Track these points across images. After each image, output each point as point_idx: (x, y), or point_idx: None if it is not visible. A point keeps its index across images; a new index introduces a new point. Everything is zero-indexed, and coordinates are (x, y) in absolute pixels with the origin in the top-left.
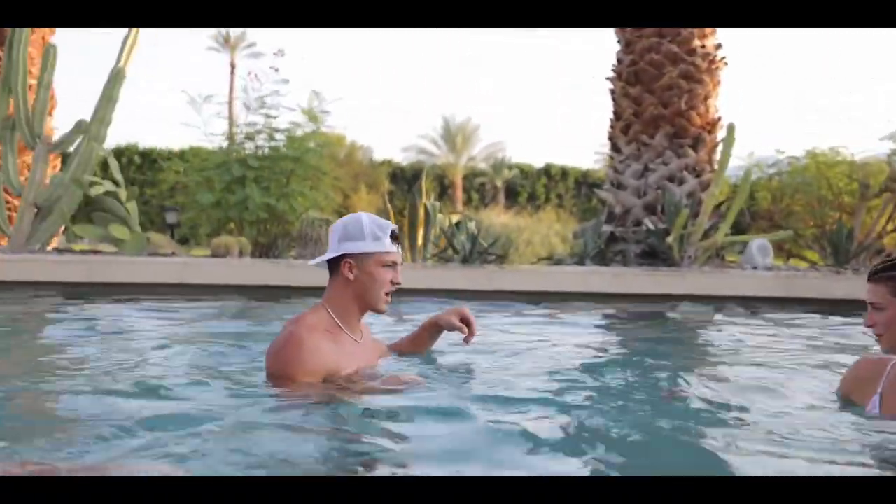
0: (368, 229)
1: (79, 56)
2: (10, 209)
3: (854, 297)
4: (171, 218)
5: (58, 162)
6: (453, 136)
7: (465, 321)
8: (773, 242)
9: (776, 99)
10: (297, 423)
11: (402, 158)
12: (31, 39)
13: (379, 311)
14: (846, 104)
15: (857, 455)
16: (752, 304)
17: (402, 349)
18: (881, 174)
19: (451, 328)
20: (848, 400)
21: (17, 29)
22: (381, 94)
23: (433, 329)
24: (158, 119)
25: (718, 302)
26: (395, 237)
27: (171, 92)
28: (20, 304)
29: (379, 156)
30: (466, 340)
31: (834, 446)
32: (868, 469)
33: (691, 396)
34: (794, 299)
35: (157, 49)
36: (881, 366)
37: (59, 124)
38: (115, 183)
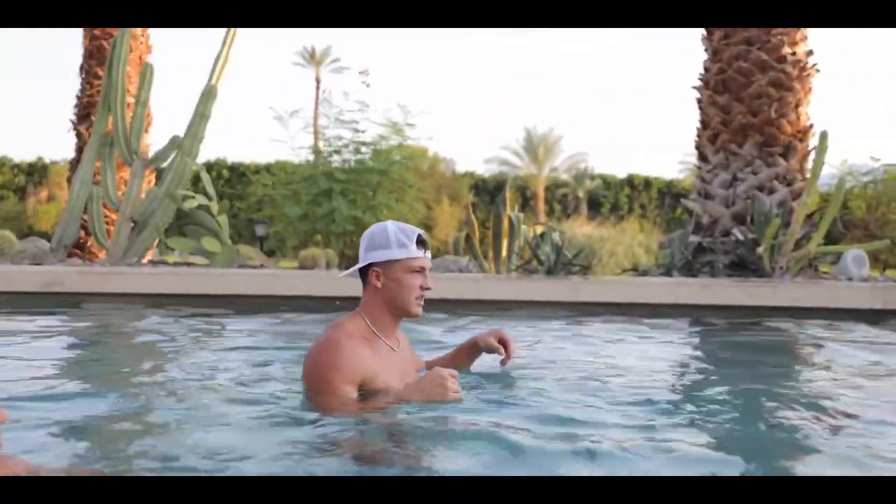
0: (394, 237)
1: (173, 72)
2: (108, 223)
3: None
4: (259, 231)
5: (153, 177)
6: (535, 147)
7: (503, 343)
8: (869, 253)
9: (871, 105)
10: (329, 438)
11: (484, 170)
12: (129, 59)
13: (414, 316)
14: None
15: None
16: (847, 317)
17: (439, 366)
18: None
19: (490, 350)
20: None
21: (117, 48)
22: (464, 105)
23: (472, 349)
24: (246, 134)
25: (812, 314)
26: (421, 242)
27: (258, 107)
28: (115, 314)
29: (461, 168)
30: (503, 363)
31: None
32: None
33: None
34: (893, 311)
35: (243, 64)
36: None
37: (155, 140)
38: (208, 197)
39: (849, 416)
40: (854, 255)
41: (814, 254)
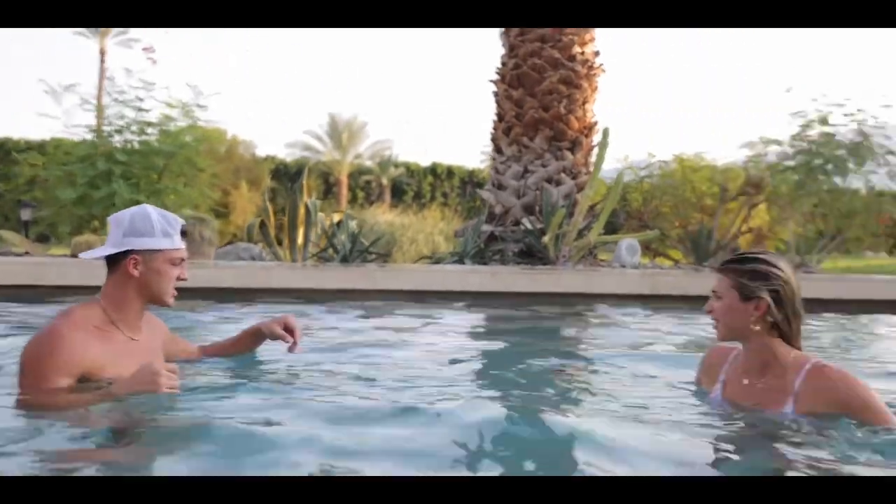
0: (158, 225)
1: None
2: None
3: (709, 293)
4: (25, 215)
5: None
6: (339, 132)
7: (289, 329)
8: (642, 242)
9: (651, 105)
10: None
11: (286, 154)
12: None
13: (166, 306)
14: (713, 111)
15: (697, 436)
16: (621, 302)
17: (216, 352)
18: (738, 179)
19: (274, 337)
20: (700, 386)
21: None
22: (267, 88)
23: (256, 336)
24: (14, 108)
25: (590, 300)
26: (184, 233)
27: (31, 79)
28: None
29: (262, 151)
30: (291, 349)
31: (673, 428)
32: (706, 450)
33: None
34: (658, 296)
35: (13, 33)
36: (726, 354)
37: None
38: None
39: (617, 385)
40: (627, 245)
41: (594, 243)
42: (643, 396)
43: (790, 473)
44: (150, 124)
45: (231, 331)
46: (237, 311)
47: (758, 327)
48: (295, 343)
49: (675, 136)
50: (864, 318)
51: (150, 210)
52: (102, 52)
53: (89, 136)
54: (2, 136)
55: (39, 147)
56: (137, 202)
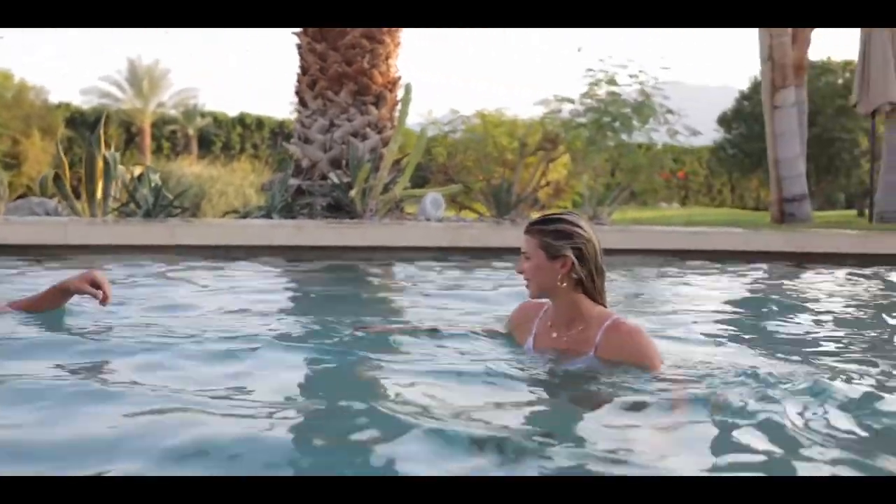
0: None
1: None
2: None
3: (508, 245)
4: None
5: None
6: (140, 79)
7: (96, 285)
8: (446, 196)
9: (454, 62)
10: None
11: (81, 101)
12: None
13: None
14: (514, 68)
15: (510, 382)
16: (422, 254)
17: (22, 307)
18: (536, 134)
19: (82, 292)
20: (511, 337)
21: None
22: (58, 30)
23: (63, 292)
24: None
25: (393, 253)
26: None
27: None
28: None
29: (55, 98)
30: (102, 303)
31: (489, 372)
32: (518, 394)
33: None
34: (458, 248)
35: None
36: (537, 310)
37: None
38: None
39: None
40: (432, 199)
41: (399, 196)
42: (456, 350)
43: (584, 412)
44: None
45: (26, 289)
46: (28, 269)
47: (564, 284)
48: (106, 298)
49: (478, 93)
50: (647, 268)
51: None
52: None
53: None
54: None
55: None
56: None
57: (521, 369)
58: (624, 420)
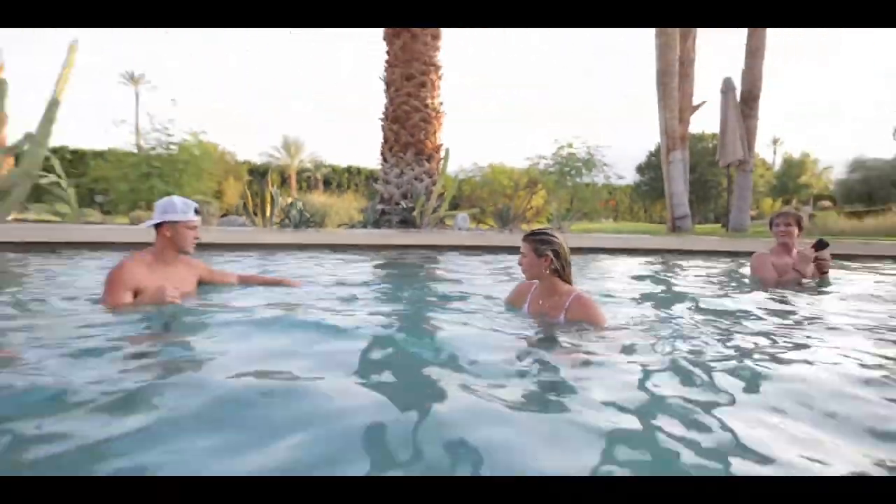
0: (180, 207)
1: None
2: None
3: (508, 244)
4: (99, 199)
5: (12, 160)
6: (289, 146)
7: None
8: (470, 215)
9: (479, 131)
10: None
11: (256, 159)
12: None
13: (187, 253)
14: (511, 132)
15: (515, 332)
16: (458, 250)
17: (245, 281)
18: (524, 178)
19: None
20: (511, 305)
21: None
22: (239, 113)
23: (277, 283)
24: (81, 123)
25: (442, 249)
26: (197, 211)
27: (88, 107)
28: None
29: (241, 157)
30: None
31: (505, 325)
32: (521, 339)
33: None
34: (478, 246)
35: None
36: (529, 287)
37: (11, 134)
38: (58, 176)
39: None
40: (462, 217)
41: (442, 215)
42: (478, 310)
43: (563, 353)
44: (171, 144)
45: (237, 268)
46: (231, 257)
47: (547, 272)
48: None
49: (488, 149)
50: (595, 259)
51: (175, 198)
52: (137, 94)
53: (135, 150)
54: (80, 147)
55: (102, 155)
56: (167, 193)
57: (522, 324)
58: (573, 355)
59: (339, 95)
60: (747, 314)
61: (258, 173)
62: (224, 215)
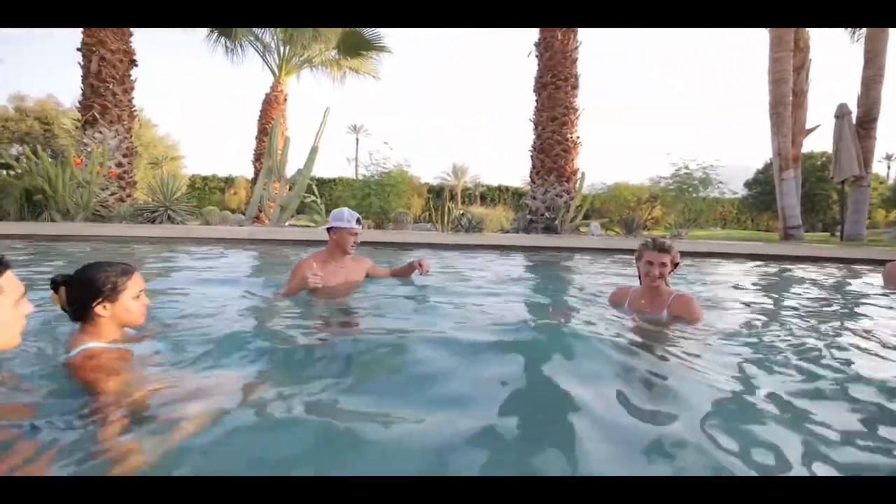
0: (346, 215)
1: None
2: (270, 207)
3: (632, 247)
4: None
5: (288, 187)
6: (457, 171)
7: (420, 263)
8: (600, 224)
9: (603, 154)
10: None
11: (433, 181)
12: (278, 133)
13: (346, 254)
14: (635, 155)
15: (620, 328)
16: (589, 252)
17: (395, 273)
18: (646, 193)
19: (413, 268)
20: (614, 303)
21: (274, 129)
22: (422, 147)
23: (410, 267)
24: (324, 160)
25: (577, 251)
26: (358, 220)
27: (327, 149)
28: (274, 250)
29: (423, 180)
30: (423, 273)
31: (611, 323)
32: (625, 334)
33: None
34: (607, 249)
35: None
36: (627, 291)
37: (289, 170)
38: (315, 195)
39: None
40: (594, 225)
41: (578, 224)
42: (597, 315)
43: (667, 347)
44: (384, 172)
45: (403, 260)
46: (423, 253)
47: (668, 276)
48: (423, 270)
49: (616, 168)
50: (707, 263)
51: (345, 210)
52: (357, 139)
53: (360, 178)
54: (323, 175)
55: (339, 181)
56: (381, 206)
57: (623, 320)
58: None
59: (495, 130)
60: (884, 322)
61: (434, 191)
62: (416, 222)
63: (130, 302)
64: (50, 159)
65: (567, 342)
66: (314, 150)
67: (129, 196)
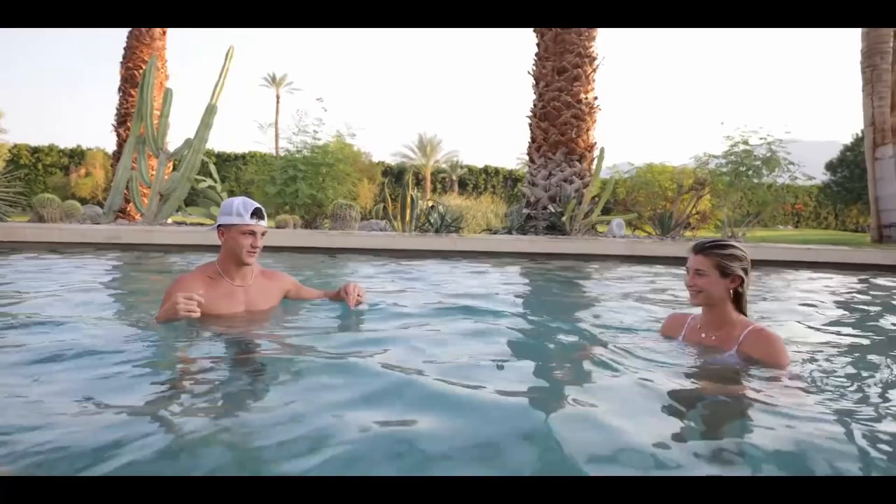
0: (237, 206)
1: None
2: (143, 196)
3: (668, 255)
4: None
5: (171, 165)
6: (425, 146)
7: (347, 291)
8: (626, 221)
9: (634, 128)
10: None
11: (390, 160)
12: (154, 83)
13: (245, 264)
14: (673, 129)
15: (681, 359)
16: (609, 260)
17: (331, 297)
18: (689, 178)
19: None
20: (668, 335)
21: (147, 76)
22: (376, 113)
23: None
24: (225, 129)
25: (592, 258)
26: (258, 213)
27: (232, 111)
28: (149, 260)
29: (375, 158)
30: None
31: (667, 356)
32: (681, 368)
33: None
34: (634, 256)
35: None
36: (683, 319)
37: (172, 139)
38: (213, 179)
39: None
40: (617, 223)
41: (594, 221)
42: (641, 346)
43: (726, 394)
44: (316, 148)
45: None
46: (374, 264)
47: (726, 296)
48: (357, 302)
49: (647, 147)
50: (772, 276)
51: (236, 199)
52: (277, 97)
53: (282, 153)
54: (225, 150)
55: (250, 158)
56: (313, 195)
57: (679, 356)
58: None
59: (476, 92)
60: None
61: (391, 174)
62: (363, 218)
63: None
64: None
65: (608, 395)
66: (211, 110)
67: None
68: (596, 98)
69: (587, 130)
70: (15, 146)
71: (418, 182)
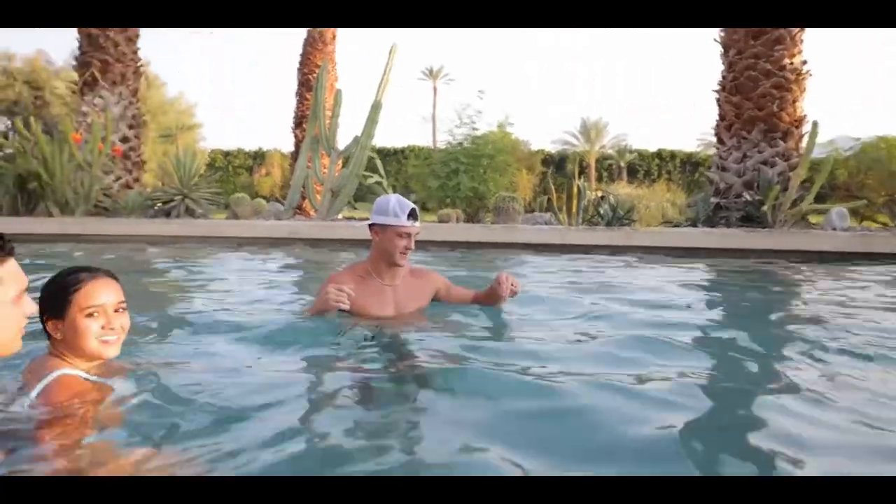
0: (393, 205)
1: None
2: (317, 193)
3: None
4: (411, 197)
5: (341, 162)
6: (588, 130)
7: (499, 281)
8: (850, 209)
9: (855, 92)
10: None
11: (550, 148)
12: (326, 85)
13: (396, 265)
14: None
15: None
16: (830, 256)
17: (480, 299)
18: None
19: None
20: None
21: (320, 80)
22: (535, 97)
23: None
24: (387, 124)
25: (804, 255)
26: (413, 214)
27: (391, 106)
28: (323, 255)
29: (534, 146)
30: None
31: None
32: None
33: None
34: (866, 253)
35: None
36: None
37: (342, 139)
38: (380, 175)
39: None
40: (838, 212)
41: (805, 211)
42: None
43: None
44: (478, 139)
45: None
46: (535, 259)
47: None
48: (512, 293)
49: (875, 111)
50: None
51: (393, 197)
52: (435, 89)
53: (442, 147)
54: (386, 145)
55: (410, 152)
56: (475, 188)
57: None
58: None
59: (646, 67)
60: None
61: (552, 163)
62: (527, 212)
63: (81, 320)
64: (44, 135)
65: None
66: (376, 107)
67: (136, 181)
68: (805, 62)
69: (793, 102)
70: (212, 151)
71: (582, 170)
